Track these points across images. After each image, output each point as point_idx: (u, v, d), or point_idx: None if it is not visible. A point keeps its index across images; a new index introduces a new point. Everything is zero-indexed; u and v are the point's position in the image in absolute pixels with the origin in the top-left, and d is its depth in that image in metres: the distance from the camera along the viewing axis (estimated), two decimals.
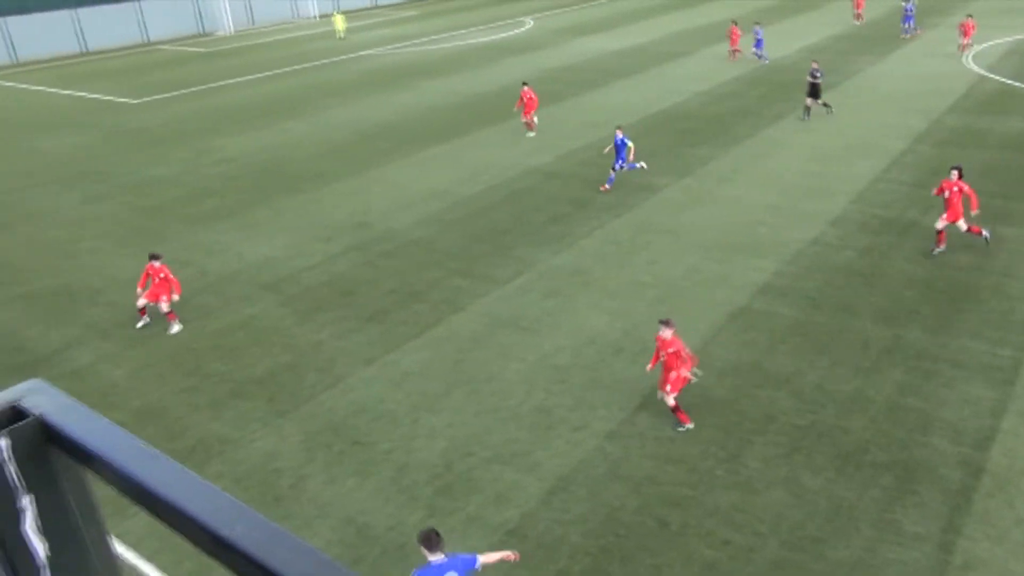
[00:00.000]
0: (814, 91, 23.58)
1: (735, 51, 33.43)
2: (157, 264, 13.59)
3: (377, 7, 68.08)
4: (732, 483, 9.36)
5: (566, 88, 30.77)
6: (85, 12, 51.50)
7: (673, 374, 10.24)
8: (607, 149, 20.15)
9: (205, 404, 11.62)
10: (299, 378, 12.08)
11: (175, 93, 34.70)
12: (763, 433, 10.17)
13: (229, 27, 56.03)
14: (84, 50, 51.15)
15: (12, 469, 1.16)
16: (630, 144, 18.83)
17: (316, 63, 40.35)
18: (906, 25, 36.02)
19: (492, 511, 9.16)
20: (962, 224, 14.57)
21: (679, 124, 24.36)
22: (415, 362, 12.29)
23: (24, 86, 39.66)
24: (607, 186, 19.03)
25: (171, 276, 13.67)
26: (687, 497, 9.18)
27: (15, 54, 48.39)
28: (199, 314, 14.22)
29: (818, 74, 23.54)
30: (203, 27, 57.18)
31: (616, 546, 8.56)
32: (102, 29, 51.99)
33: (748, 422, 10.39)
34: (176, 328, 13.63)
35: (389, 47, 44.02)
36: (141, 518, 8.84)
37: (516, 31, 47.48)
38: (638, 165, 19.18)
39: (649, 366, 10.75)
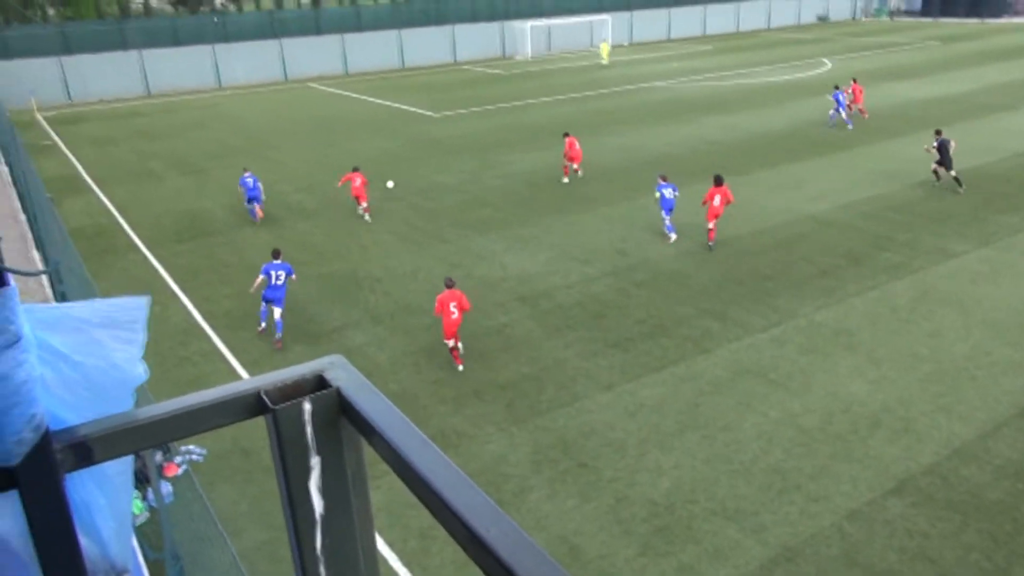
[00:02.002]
0: None
1: None
2: (453, 291, 12.90)
3: (670, 40, 68.75)
4: None
5: (859, 134, 28.80)
6: (407, 33, 57.84)
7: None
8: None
9: (450, 397, 12.42)
10: (539, 390, 12.48)
11: (471, 109, 37.60)
12: None
13: (528, 52, 59.71)
14: (402, 66, 57.34)
15: (309, 431, 1.28)
16: None
17: (604, 90, 41.54)
18: None
19: (707, 565, 8.76)
20: None
21: (988, 185, 21.68)
22: (652, 396, 12.15)
23: (348, 94, 45.36)
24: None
25: (465, 301, 12.91)
26: None
27: (346, 67, 55.56)
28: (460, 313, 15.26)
29: None
30: (505, 51, 61.55)
31: None
32: (418, 48, 58.03)
33: None
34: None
35: (677, 80, 44.07)
36: (376, 495, 9.62)
37: (812, 72, 45.24)
38: None
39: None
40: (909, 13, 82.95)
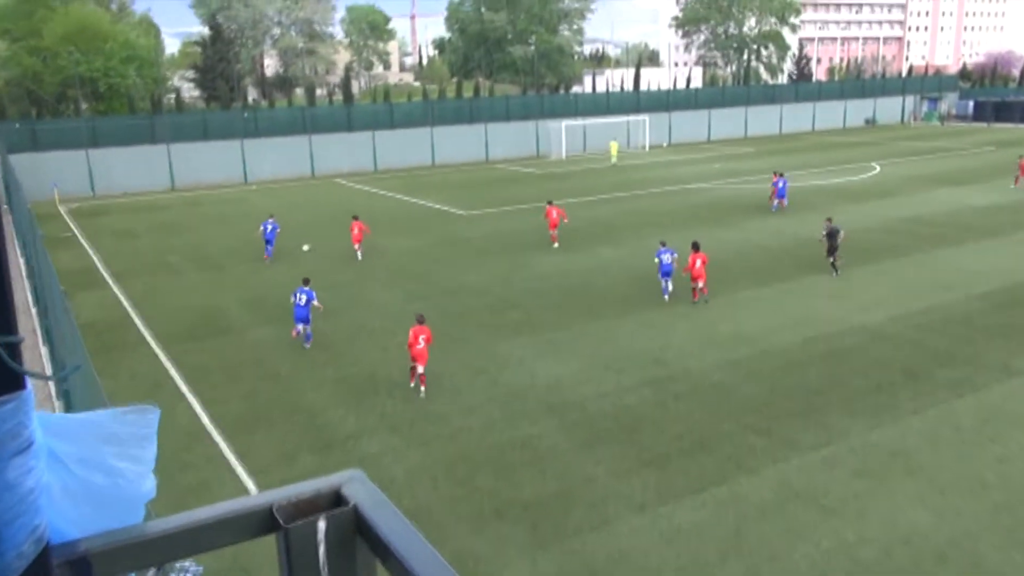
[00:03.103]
0: None
1: None
2: (422, 326, 16.70)
3: (710, 142, 70.46)
4: None
5: (912, 241, 28.80)
6: (439, 130, 60.02)
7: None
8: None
9: (468, 516, 12.08)
10: (566, 510, 12.11)
11: (503, 209, 38.36)
12: None
13: (562, 152, 61.41)
14: (432, 163, 59.16)
15: (322, 552, 1.25)
16: None
17: (642, 191, 42.30)
18: None
19: None
20: None
21: None
22: (690, 520, 11.71)
23: (377, 191, 46.66)
24: None
25: (430, 336, 16.61)
26: None
27: (376, 163, 57.45)
28: (482, 423, 15.05)
29: None
30: (538, 150, 63.39)
31: None
32: (449, 146, 60.08)
33: None
34: None
35: (718, 182, 44.81)
36: None
37: (860, 176, 45.79)
38: None
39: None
40: (961, 118, 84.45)
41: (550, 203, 30.97)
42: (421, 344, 16.48)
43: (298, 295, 19.42)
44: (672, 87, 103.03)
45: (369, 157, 57.32)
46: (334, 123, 57.53)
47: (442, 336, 20.08)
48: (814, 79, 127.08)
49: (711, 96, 75.91)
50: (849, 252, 27.43)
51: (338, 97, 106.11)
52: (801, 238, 29.68)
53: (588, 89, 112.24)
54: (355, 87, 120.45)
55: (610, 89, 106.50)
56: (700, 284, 21.95)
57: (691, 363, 17.68)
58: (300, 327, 19.50)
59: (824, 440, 13.98)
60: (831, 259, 24.61)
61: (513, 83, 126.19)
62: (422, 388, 16.46)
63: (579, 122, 64.32)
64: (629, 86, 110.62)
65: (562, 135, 61.38)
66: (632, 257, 27.65)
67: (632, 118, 66.64)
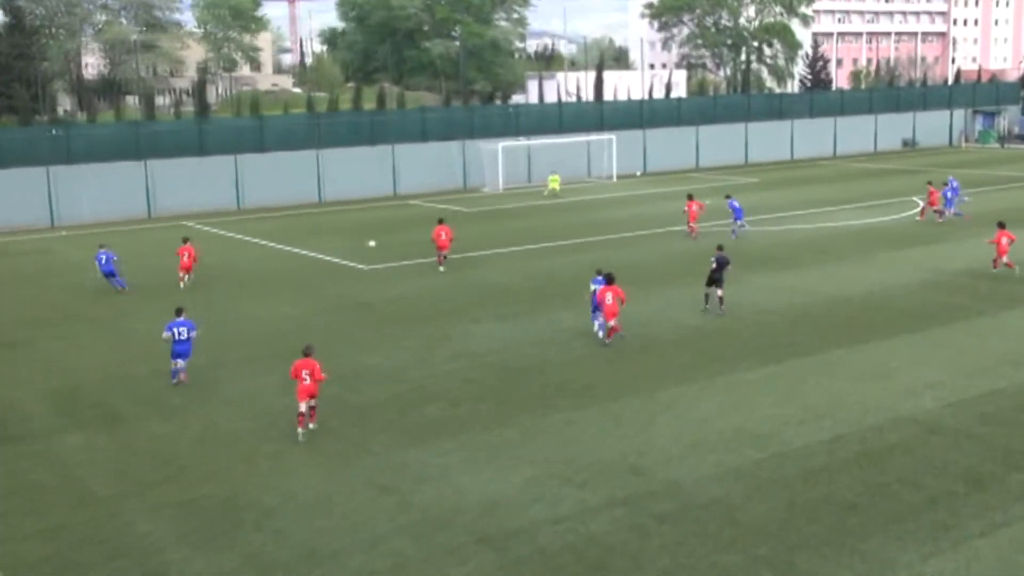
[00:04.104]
0: None
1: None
2: (308, 360, 20.29)
3: (699, 169, 72.30)
4: None
5: (972, 301, 29.68)
6: (329, 155, 60.24)
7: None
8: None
9: None
10: None
11: (417, 261, 38.40)
12: None
13: (499, 183, 62.16)
14: (320, 200, 59.14)
15: None
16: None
17: (612, 236, 43.04)
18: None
19: None
20: None
21: None
22: None
23: (241, 237, 46.28)
24: None
25: (319, 372, 20.02)
26: None
27: (240, 200, 57.12)
28: (390, 565, 14.74)
29: None
30: (467, 180, 64.03)
31: None
32: (344, 175, 60.20)
33: None
34: None
35: (709, 224, 45.74)
36: None
37: (898, 215, 47.27)
38: None
39: None
40: None
41: (441, 221, 37.21)
42: (307, 380, 19.57)
43: (176, 329, 22.89)
44: (647, 96, 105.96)
45: (230, 191, 57.03)
46: (181, 144, 57.19)
47: (336, 440, 19.73)
48: (834, 86, 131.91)
49: (699, 108, 78.19)
50: (888, 317, 28.10)
51: (188, 108, 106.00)
52: (822, 298, 30.32)
53: (534, 99, 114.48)
54: (211, 94, 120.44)
55: (563, 98, 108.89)
56: (612, 323, 25.34)
57: (679, 472, 17.69)
58: (181, 363, 23.23)
59: (863, 574, 14.05)
60: (710, 292, 28.83)
61: (431, 90, 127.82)
62: (311, 425, 19.84)
63: (522, 143, 65.34)
64: (589, 95, 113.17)
65: (499, 160, 62.23)
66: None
67: (593, 137, 67.98)
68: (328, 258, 40.03)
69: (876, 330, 26.69)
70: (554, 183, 59.67)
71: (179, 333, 22.93)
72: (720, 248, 29.74)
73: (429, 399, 22.10)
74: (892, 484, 16.97)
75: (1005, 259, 32.60)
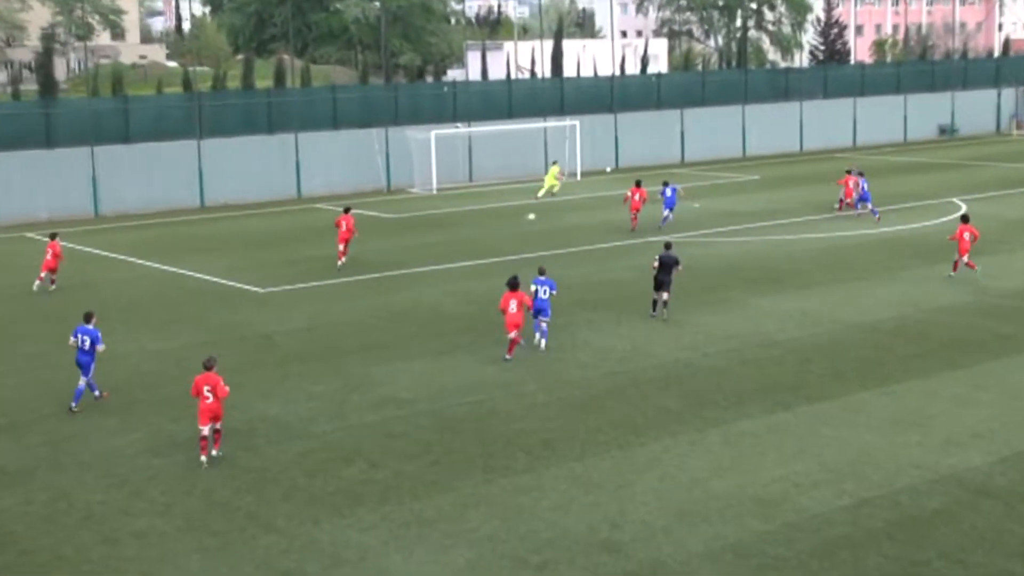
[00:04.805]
0: None
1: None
2: (209, 375, 21.74)
3: (684, 163, 72.72)
4: None
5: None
6: (213, 146, 59.56)
7: None
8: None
9: None
10: None
11: (327, 282, 38.30)
12: None
13: (431, 182, 62.27)
14: (201, 204, 58.61)
15: None
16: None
17: (576, 249, 43.39)
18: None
19: None
20: None
21: None
22: None
23: (100, 252, 45.67)
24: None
25: (222, 387, 21.44)
26: None
27: (97, 204, 56.36)
28: None
29: None
30: (389, 179, 63.88)
31: None
32: (233, 171, 59.78)
33: None
34: None
35: (698, 235, 46.01)
36: None
37: (935, 220, 47.84)
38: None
39: None
40: None
41: (347, 211, 40.83)
42: (210, 398, 21.11)
43: (80, 336, 24.53)
44: (618, 72, 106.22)
45: (85, 193, 56.28)
46: (21, 132, 56.41)
47: (227, 513, 19.43)
48: (852, 59, 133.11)
49: (684, 87, 78.75)
50: (924, 349, 28.30)
51: (30, 87, 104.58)
52: (841, 326, 30.55)
53: (475, 75, 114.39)
54: (60, 69, 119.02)
55: (513, 75, 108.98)
56: (513, 334, 27.82)
57: (664, 549, 17.62)
58: (82, 382, 24.67)
59: None
60: (657, 296, 31.47)
61: (344, 64, 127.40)
62: (214, 451, 21.41)
63: (461, 131, 65.39)
64: (546, 70, 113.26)
65: (431, 153, 62.20)
66: (556, 363, 27.90)
67: (552, 124, 68.16)
68: (213, 278, 39.70)
69: (909, 367, 26.88)
70: (553, 180, 58.71)
71: (83, 342, 24.47)
72: (668, 247, 32.15)
73: (345, 459, 21.86)
74: (932, 562, 17.02)
75: (966, 259, 34.54)
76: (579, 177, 65.88)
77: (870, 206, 48.45)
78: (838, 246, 42.67)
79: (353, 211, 41.96)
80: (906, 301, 33.22)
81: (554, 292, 28.85)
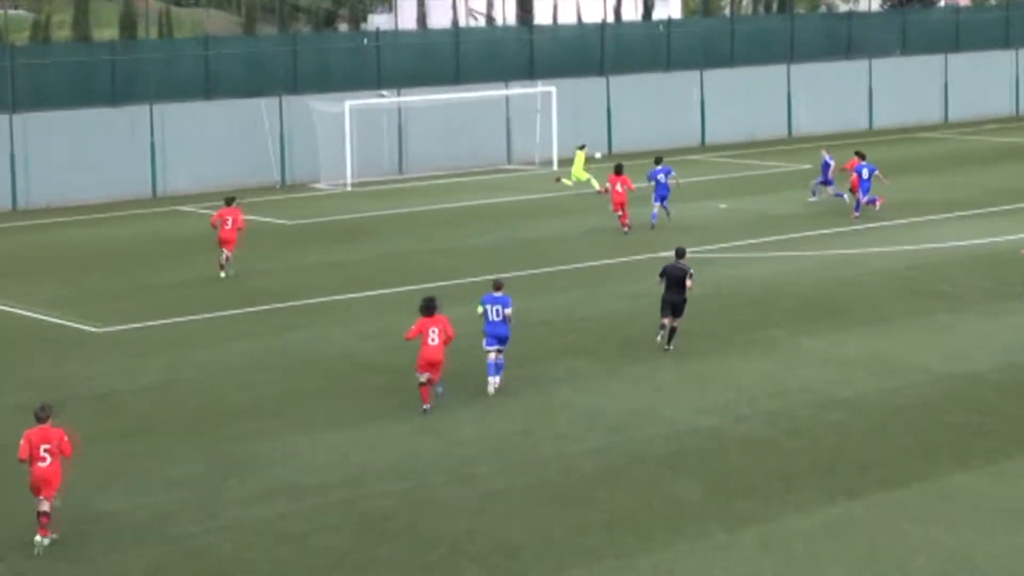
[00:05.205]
0: None
1: None
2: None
3: (705, 147, 73.10)
4: None
5: None
6: (33, 123, 59.31)
7: None
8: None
9: None
10: None
11: (190, 318, 38.28)
12: None
13: (345, 173, 62.41)
14: (13, 206, 58.35)
15: None
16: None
17: (550, 269, 43.57)
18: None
19: None
20: None
21: None
22: None
23: None
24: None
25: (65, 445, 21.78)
26: None
27: None
28: None
29: None
30: (285, 170, 63.78)
31: None
32: (59, 162, 59.46)
33: None
34: None
35: (732, 246, 46.08)
36: None
37: None
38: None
39: None
40: None
41: (229, 203, 42.93)
42: (47, 461, 21.55)
43: None
44: (611, 17, 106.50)
45: None
46: None
47: None
48: (943, 2, 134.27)
49: (705, 39, 79.24)
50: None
51: None
52: (925, 378, 30.52)
53: (408, 22, 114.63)
54: None
55: (464, 22, 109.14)
56: (423, 378, 28.85)
57: None
58: None
59: None
60: (665, 324, 32.36)
61: (219, 6, 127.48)
62: (52, 537, 21.61)
63: (387, 101, 65.34)
64: (509, 15, 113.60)
65: (345, 133, 62.37)
66: (521, 433, 27.82)
67: (517, 90, 68.26)
68: (29, 313, 39.62)
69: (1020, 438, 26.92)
70: (581, 171, 59.34)
71: None
72: (679, 254, 33.30)
73: (219, 575, 21.69)
74: None
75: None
76: (555, 166, 66.01)
77: (831, 190, 54.30)
78: (917, 263, 42.81)
79: (240, 203, 42.03)
80: (1018, 342, 33.31)
81: (508, 310, 29.71)
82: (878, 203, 52.18)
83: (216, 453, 27.22)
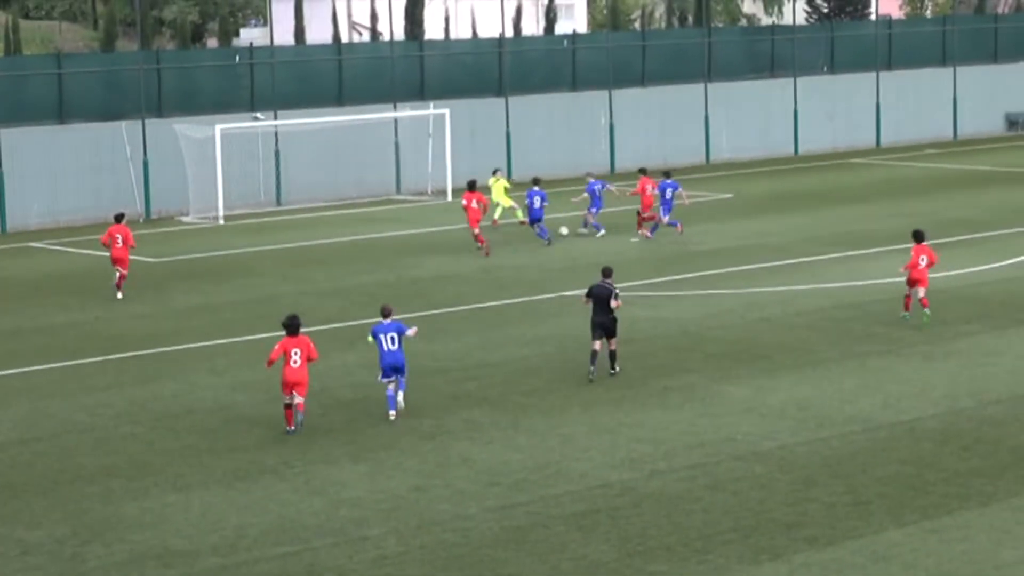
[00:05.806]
0: None
1: None
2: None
3: (614, 174, 73.00)
4: None
5: None
6: None
7: None
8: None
9: None
10: None
11: (48, 366, 37.91)
12: None
13: (217, 206, 61.95)
14: None
15: None
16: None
17: (448, 309, 43.70)
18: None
19: None
20: None
21: None
22: None
23: None
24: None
25: None
26: None
27: None
28: None
29: None
30: (143, 201, 63.52)
31: None
32: None
33: None
34: None
35: (644, 283, 46.44)
36: None
37: (997, 263, 48.65)
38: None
39: None
40: None
41: (120, 219, 46.37)
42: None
43: None
44: (509, 31, 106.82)
45: None
46: None
47: None
48: (874, 15, 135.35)
49: (614, 55, 79.12)
50: (991, 458, 28.74)
51: None
52: (859, 428, 30.89)
53: (285, 36, 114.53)
54: None
55: (347, 37, 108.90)
56: (289, 399, 30.16)
57: None
58: None
59: None
60: (597, 349, 33.68)
61: (72, 19, 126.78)
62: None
63: (262, 124, 65.30)
64: (397, 29, 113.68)
65: (216, 160, 62.21)
66: (415, 491, 27.78)
67: (407, 113, 68.37)
68: None
69: (966, 490, 26.88)
70: (503, 194, 60.07)
71: None
72: (605, 274, 34.67)
73: None
74: None
75: (922, 293, 37.70)
76: (449, 197, 66.14)
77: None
78: (848, 302, 43.21)
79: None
80: (959, 389, 33.69)
81: (410, 331, 31.96)
82: (679, 227, 55.10)
83: (78, 515, 27.07)
